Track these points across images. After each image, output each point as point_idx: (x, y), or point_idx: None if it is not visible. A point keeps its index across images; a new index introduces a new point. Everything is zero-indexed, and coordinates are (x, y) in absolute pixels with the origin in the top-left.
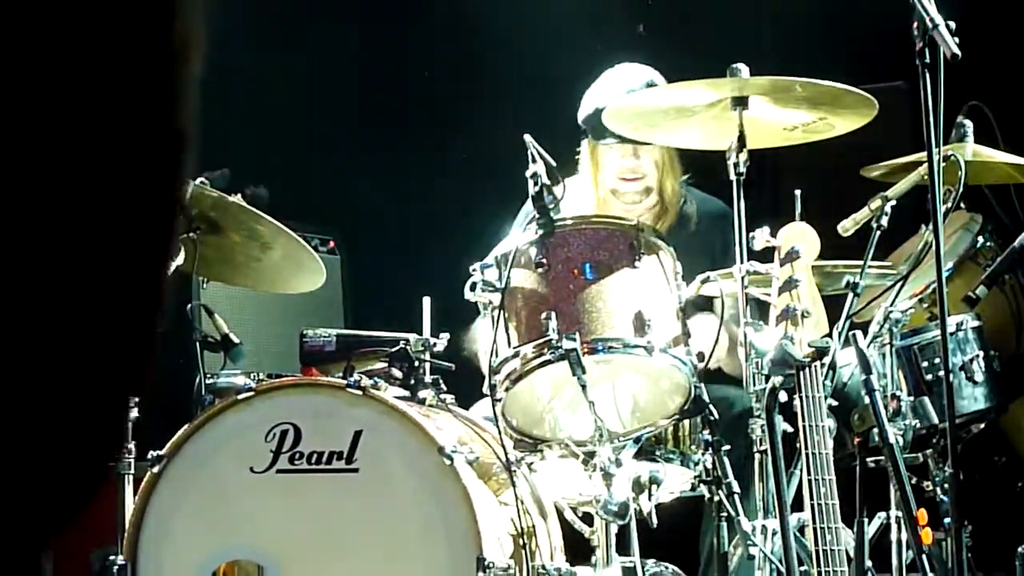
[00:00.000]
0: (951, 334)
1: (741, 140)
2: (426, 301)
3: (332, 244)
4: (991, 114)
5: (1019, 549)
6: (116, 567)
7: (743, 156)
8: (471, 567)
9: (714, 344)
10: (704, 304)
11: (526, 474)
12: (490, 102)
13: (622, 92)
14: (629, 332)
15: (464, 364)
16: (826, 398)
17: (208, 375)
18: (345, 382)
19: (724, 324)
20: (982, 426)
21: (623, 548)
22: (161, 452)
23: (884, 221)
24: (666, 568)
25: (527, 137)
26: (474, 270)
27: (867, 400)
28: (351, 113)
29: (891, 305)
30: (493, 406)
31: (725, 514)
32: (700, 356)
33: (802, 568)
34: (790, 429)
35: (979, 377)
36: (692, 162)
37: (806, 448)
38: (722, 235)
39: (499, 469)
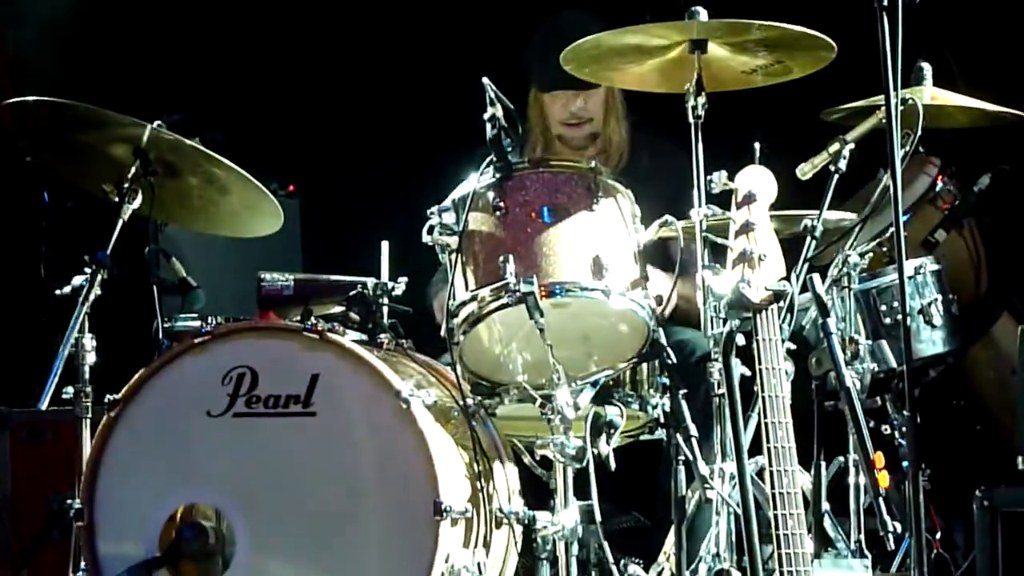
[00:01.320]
0: (910, 278)
1: (699, 83)
2: (384, 245)
3: (291, 188)
4: (951, 58)
5: (976, 492)
6: (73, 510)
7: (701, 99)
8: (428, 510)
9: (670, 292)
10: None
11: (484, 418)
12: (449, 43)
13: (559, 40)
14: (587, 275)
15: (423, 309)
16: (784, 341)
17: (165, 319)
18: (302, 326)
19: (681, 266)
20: (941, 369)
21: (581, 491)
22: (118, 396)
23: (842, 164)
24: (626, 511)
25: (485, 80)
26: (432, 213)
27: (825, 343)
28: (310, 57)
29: (849, 249)
30: (450, 350)
31: (683, 457)
32: (658, 299)
33: (759, 511)
34: (748, 372)
35: (937, 320)
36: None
37: (763, 391)
38: (668, 172)
39: (457, 413)
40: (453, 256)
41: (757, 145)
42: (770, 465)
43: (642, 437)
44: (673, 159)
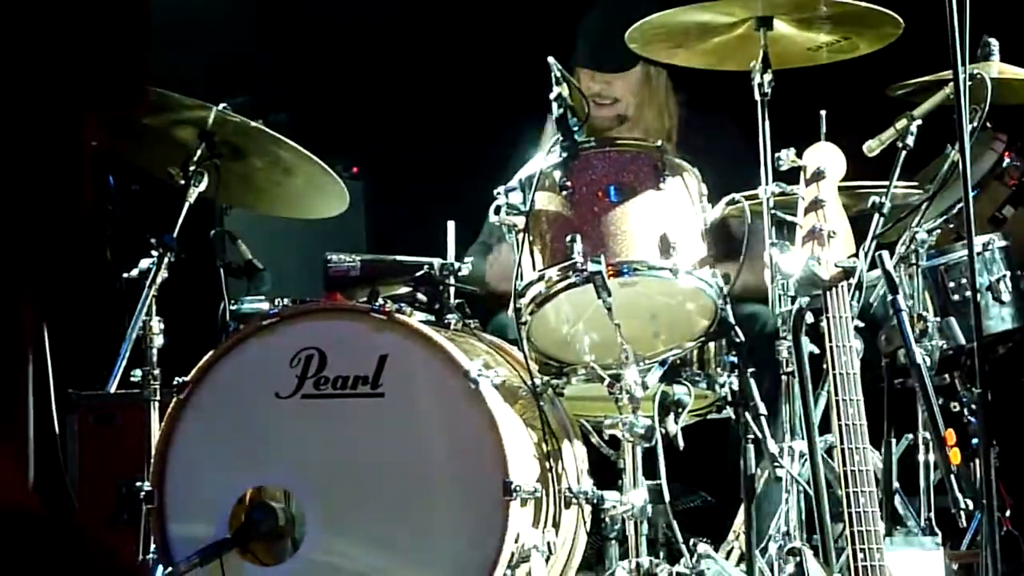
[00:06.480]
0: (978, 254)
1: (765, 61)
2: (450, 225)
3: (355, 169)
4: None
5: None
6: (142, 493)
7: (767, 77)
8: (498, 490)
9: (738, 271)
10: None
11: (552, 397)
12: (515, 23)
13: (601, 17)
14: (654, 254)
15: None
16: (853, 319)
17: (232, 301)
18: (370, 307)
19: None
20: (1010, 346)
21: (650, 471)
22: (186, 378)
23: (910, 141)
24: (693, 491)
25: (551, 59)
26: (498, 193)
27: (894, 321)
28: (374, 37)
29: (917, 226)
30: (519, 329)
31: (752, 436)
32: (726, 278)
33: (830, 490)
34: (817, 350)
35: (1006, 297)
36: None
37: (833, 369)
38: (722, 150)
39: (525, 393)
40: (520, 236)
41: (823, 113)
42: (840, 443)
43: (710, 416)
44: (727, 138)
